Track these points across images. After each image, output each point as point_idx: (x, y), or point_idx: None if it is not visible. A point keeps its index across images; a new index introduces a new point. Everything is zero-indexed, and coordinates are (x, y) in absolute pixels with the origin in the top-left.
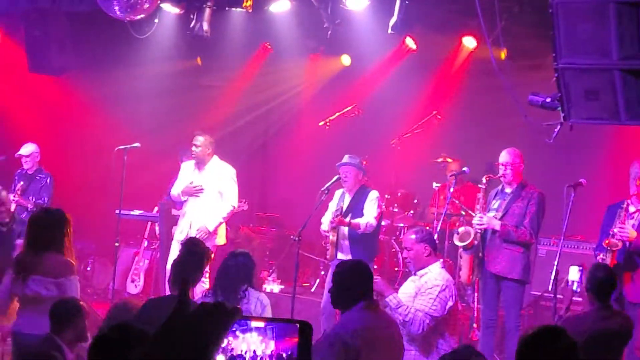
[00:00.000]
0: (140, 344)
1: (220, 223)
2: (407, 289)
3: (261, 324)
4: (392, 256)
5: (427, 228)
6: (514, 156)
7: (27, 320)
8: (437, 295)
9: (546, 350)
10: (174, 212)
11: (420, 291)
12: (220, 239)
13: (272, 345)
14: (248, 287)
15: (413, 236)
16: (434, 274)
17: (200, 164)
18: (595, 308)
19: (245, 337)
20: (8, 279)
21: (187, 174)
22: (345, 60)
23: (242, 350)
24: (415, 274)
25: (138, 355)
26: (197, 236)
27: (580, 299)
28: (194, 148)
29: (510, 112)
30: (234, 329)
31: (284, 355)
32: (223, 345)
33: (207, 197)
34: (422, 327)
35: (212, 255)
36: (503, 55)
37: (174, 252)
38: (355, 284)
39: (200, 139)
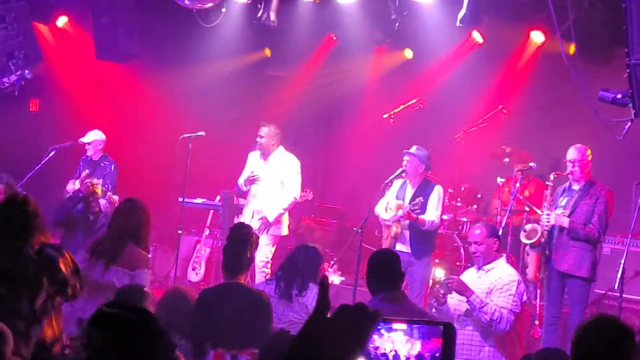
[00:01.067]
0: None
1: (281, 214)
2: (476, 284)
3: (404, 326)
4: (454, 250)
5: (494, 224)
6: (582, 153)
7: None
8: (515, 291)
9: (601, 337)
10: (240, 201)
11: (495, 287)
12: (283, 230)
13: (417, 345)
14: (311, 280)
15: (481, 231)
16: (503, 269)
17: (265, 155)
18: None
19: (390, 336)
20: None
21: (252, 163)
22: (408, 53)
23: (385, 349)
24: (481, 269)
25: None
26: (258, 227)
27: None
28: (258, 139)
29: (579, 108)
30: (379, 328)
31: (429, 356)
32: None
33: (270, 187)
34: (509, 324)
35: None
36: (572, 49)
37: None
38: (378, 274)
39: (264, 130)
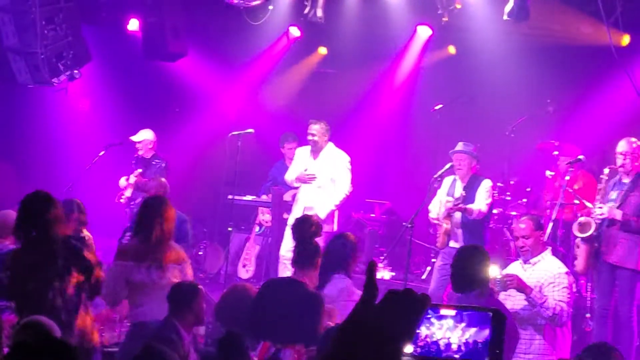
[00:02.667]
0: None
1: (333, 211)
2: (523, 278)
3: (452, 312)
4: (504, 244)
5: (539, 217)
6: (633, 146)
7: (154, 307)
8: (567, 283)
9: None
10: (285, 197)
11: (547, 281)
12: (334, 226)
13: (468, 333)
14: (334, 271)
15: (527, 225)
16: (550, 262)
17: (315, 151)
18: None
19: (441, 323)
20: (120, 268)
21: (302, 160)
22: (452, 49)
23: (436, 337)
24: (527, 262)
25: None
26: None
27: None
28: (310, 137)
29: (628, 100)
30: (428, 316)
31: (480, 342)
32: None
33: (321, 183)
34: (569, 317)
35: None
36: (625, 41)
37: (287, 237)
38: (471, 269)
39: (315, 127)
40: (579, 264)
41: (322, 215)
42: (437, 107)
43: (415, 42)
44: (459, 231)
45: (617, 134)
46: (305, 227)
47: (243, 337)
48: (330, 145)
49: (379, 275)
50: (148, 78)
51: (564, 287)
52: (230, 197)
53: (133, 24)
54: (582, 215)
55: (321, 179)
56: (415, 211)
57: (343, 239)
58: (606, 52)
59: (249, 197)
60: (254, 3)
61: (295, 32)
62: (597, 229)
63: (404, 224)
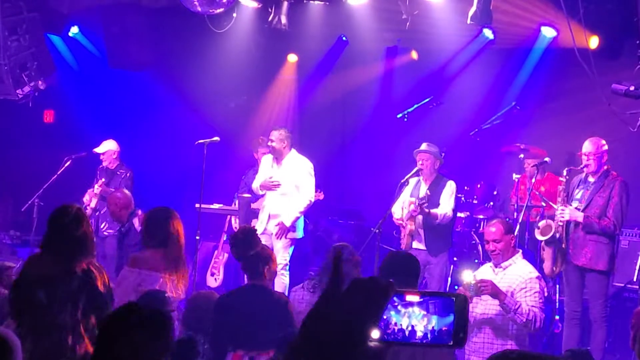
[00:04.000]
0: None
1: (297, 218)
2: (497, 283)
3: (418, 298)
4: (472, 248)
5: (508, 220)
6: (597, 146)
7: None
8: (539, 288)
9: None
10: (253, 205)
11: (519, 287)
12: (299, 232)
13: (433, 320)
14: None
15: (497, 228)
16: (521, 266)
17: (278, 158)
18: None
19: (407, 311)
20: (135, 276)
21: (266, 167)
22: (415, 54)
23: (402, 325)
24: (498, 266)
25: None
26: (275, 232)
27: None
28: (270, 143)
29: (593, 101)
30: (395, 304)
31: (446, 330)
32: (384, 318)
33: (285, 190)
34: (542, 322)
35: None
36: (592, 43)
37: None
38: (390, 277)
39: (275, 134)
40: (546, 266)
41: (288, 223)
42: (399, 116)
43: (379, 48)
44: (422, 232)
45: (583, 136)
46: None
47: (196, 343)
48: (293, 152)
49: None
50: (113, 88)
51: (535, 292)
52: (197, 205)
53: (73, 31)
54: (548, 218)
55: (285, 186)
56: (383, 216)
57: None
58: (569, 54)
59: (216, 205)
60: (218, 11)
61: (261, 39)
62: (563, 232)
63: (372, 229)
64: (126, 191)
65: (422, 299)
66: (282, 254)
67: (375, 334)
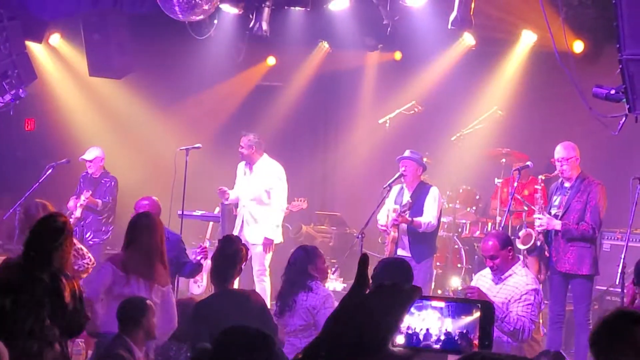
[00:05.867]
0: None
1: (278, 227)
2: (492, 292)
3: (442, 304)
4: (455, 253)
5: (490, 224)
6: (569, 150)
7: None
8: (534, 301)
9: (624, 333)
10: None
11: (513, 298)
12: (277, 238)
13: (448, 323)
14: (311, 280)
15: (493, 243)
16: (520, 277)
17: (249, 164)
18: None
19: (421, 314)
20: (109, 277)
21: (240, 175)
22: (398, 55)
23: (416, 328)
24: (500, 281)
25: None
26: (263, 249)
27: None
28: (240, 149)
29: (573, 105)
30: (417, 307)
31: (459, 333)
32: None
33: (257, 196)
34: (530, 333)
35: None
36: (575, 47)
37: None
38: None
39: (244, 140)
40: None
41: (271, 236)
42: (380, 121)
43: (361, 53)
44: (405, 239)
45: (563, 139)
46: (231, 250)
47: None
48: (265, 156)
49: (331, 286)
50: (94, 95)
51: (529, 304)
52: (179, 212)
53: (54, 39)
54: (525, 225)
55: (257, 192)
56: (366, 222)
57: (300, 248)
58: (549, 58)
59: (198, 212)
60: (199, 18)
61: (243, 45)
62: (545, 237)
63: (354, 234)
64: (155, 198)
65: (445, 304)
66: (261, 260)
67: (399, 339)
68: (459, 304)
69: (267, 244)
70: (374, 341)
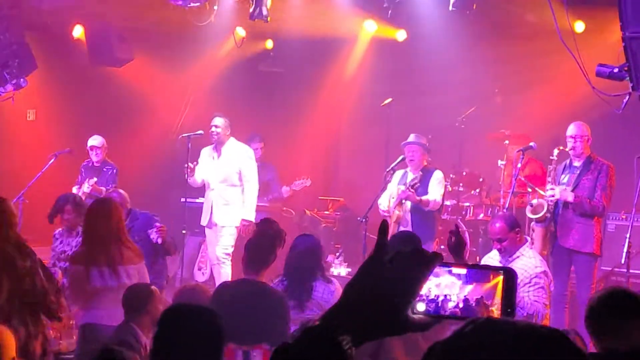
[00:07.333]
0: None
1: (255, 206)
2: None
3: (464, 271)
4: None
5: (499, 207)
6: (582, 128)
7: (107, 312)
8: (543, 283)
9: (616, 308)
10: None
11: (522, 282)
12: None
13: (467, 290)
14: (318, 276)
15: (501, 225)
16: (528, 259)
17: (218, 146)
18: None
19: (439, 280)
20: (74, 275)
21: (206, 159)
22: (401, 35)
23: (435, 295)
24: (507, 262)
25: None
26: (245, 231)
27: None
28: (214, 129)
29: (577, 85)
30: (437, 273)
31: (476, 299)
32: None
33: (228, 179)
34: (543, 319)
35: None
36: (577, 27)
37: (208, 238)
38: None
39: (220, 120)
40: (536, 247)
41: (251, 217)
42: (386, 102)
43: (362, 37)
44: (408, 217)
45: (568, 120)
46: (272, 230)
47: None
48: (232, 139)
49: (335, 271)
50: (95, 84)
51: (539, 287)
52: (182, 199)
53: (77, 31)
54: (535, 198)
55: (226, 173)
56: (369, 205)
57: (310, 237)
58: (552, 36)
59: (201, 199)
60: (196, 4)
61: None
62: (552, 213)
63: (358, 218)
64: (121, 191)
65: (467, 271)
66: (226, 242)
67: (420, 306)
68: (479, 271)
69: (247, 225)
70: (394, 308)
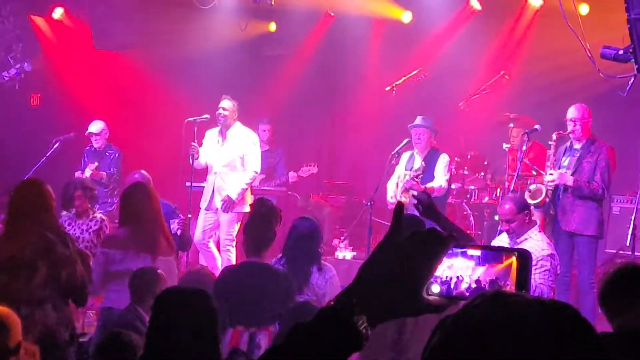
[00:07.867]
0: None
1: (244, 190)
2: None
3: (478, 252)
4: (464, 219)
5: (499, 189)
6: (582, 111)
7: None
8: (550, 266)
9: (630, 284)
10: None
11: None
12: (246, 207)
13: (479, 271)
14: (316, 260)
15: (510, 207)
16: (535, 242)
17: (224, 130)
18: None
19: (452, 262)
20: (103, 257)
21: (211, 142)
22: (406, 17)
23: (449, 276)
24: (515, 243)
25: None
26: (222, 206)
27: None
28: (221, 111)
29: (581, 68)
30: (451, 254)
31: (489, 280)
32: None
33: (231, 163)
34: None
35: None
36: (581, 9)
37: (201, 220)
38: None
39: (228, 103)
40: None
41: (234, 196)
42: (387, 88)
43: (366, 21)
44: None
45: (573, 102)
46: (265, 208)
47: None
48: (238, 124)
49: (340, 255)
50: (99, 68)
51: (545, 270)
52: (188, 184)
53: (57, 12)
54: (533, 184)
55: (232, 159)
56: (374, 189)
57: (310, 220)
58: (556, 19)
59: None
60: None
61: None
62: (552, 196)
63: (363, 202)
64: (144, 172)
65: (481, 252)
66: (227, 229)
67: (435, 288)
68: (492, 252)
69: (226, 200)
70: (409, 289)
